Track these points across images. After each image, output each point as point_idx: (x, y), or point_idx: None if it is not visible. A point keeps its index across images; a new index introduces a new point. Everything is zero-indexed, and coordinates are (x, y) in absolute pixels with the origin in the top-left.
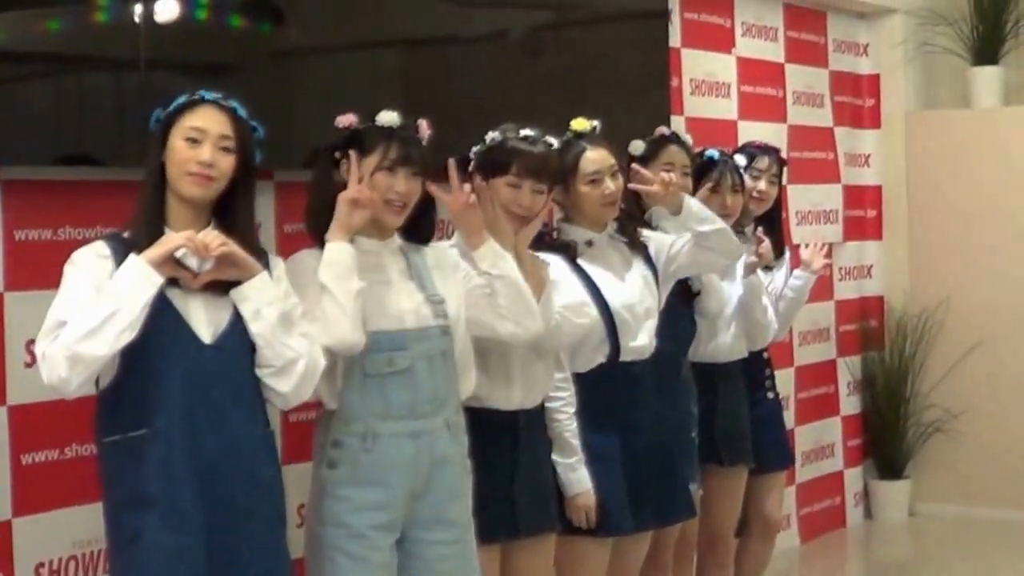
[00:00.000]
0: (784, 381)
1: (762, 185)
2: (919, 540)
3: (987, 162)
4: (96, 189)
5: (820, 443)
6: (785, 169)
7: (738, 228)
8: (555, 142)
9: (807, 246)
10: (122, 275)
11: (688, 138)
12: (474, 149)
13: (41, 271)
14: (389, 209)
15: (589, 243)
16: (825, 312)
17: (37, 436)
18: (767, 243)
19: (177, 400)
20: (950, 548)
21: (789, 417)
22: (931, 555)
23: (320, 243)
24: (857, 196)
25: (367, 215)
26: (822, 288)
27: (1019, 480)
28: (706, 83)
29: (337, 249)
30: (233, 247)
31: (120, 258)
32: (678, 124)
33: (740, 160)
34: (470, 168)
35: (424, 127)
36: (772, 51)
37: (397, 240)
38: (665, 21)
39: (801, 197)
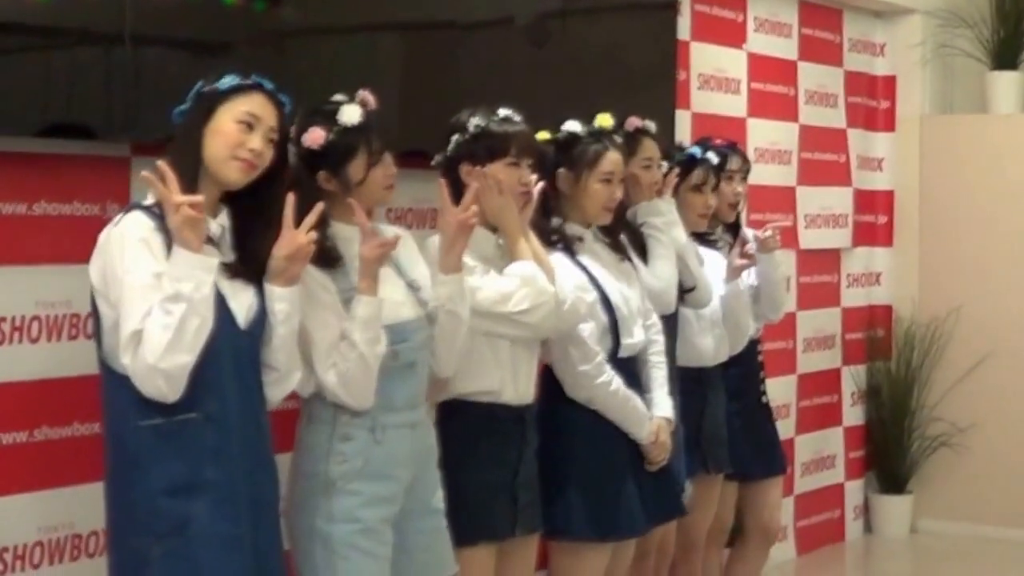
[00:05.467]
0: (786, 389)
1: (738, 187)
2: (920, 557)
3: (1003, 170)
4: (74, 163)
5: (821, 454)
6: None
7: (708, 232)
8: (579, 127)
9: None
10: (181, 270)
11: (651, 125)
12: (455, 139)
13: (16, 246)
14: (388, 193)
15: (580, 239)
16: (831, 319)
17: (4, 417)
18: (751, 244)
19: (228, 384)
20: (952, 567)
21: (790, 425)
22: (932, 573)
23: None
24: (868, 201)
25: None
26: (828, 294)
27: (1023, 498)
28: (715, 78)
29: (371, 304)
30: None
31: (163, 229)
32: (684, 119)
33: (713, 159)
34: (448, 158)
35: (371, 101)
36: (785, 48)
37: (384, 226)
38: (673, 13)
39: (810, 200)
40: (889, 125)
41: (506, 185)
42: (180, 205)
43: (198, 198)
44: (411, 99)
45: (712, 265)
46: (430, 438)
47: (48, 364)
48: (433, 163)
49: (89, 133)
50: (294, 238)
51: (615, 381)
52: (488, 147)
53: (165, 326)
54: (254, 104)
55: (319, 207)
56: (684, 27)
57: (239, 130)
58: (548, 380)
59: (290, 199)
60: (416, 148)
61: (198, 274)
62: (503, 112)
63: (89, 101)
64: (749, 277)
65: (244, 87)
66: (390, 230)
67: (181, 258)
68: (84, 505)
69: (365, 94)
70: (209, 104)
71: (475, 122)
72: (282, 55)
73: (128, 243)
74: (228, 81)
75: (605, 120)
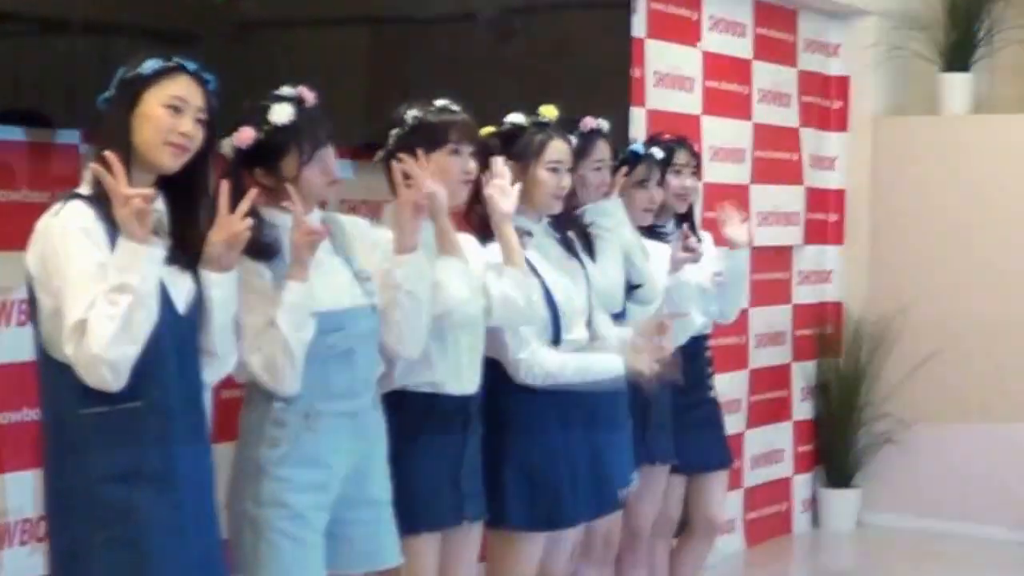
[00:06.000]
0: (737, 384)
1: (687, 182)
2: (865, 550)
3: (954, 170)
4: (24, 151)
5: (770, 448)
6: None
7: (659, 225)
8: (522, 118)
9: (724, 223)
10: (127, 261)
11: (604, 125)
12: (394, 132)
13: None
14: (330, 188)
15: (529, 234)
16: (782, 316)
17: None
18: (693, 239)
19: (170, 371)
20: (897, 560)
21: (741, 420)
22: (877, 566)
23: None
24: (820, 199)
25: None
26: (780, 291)
27: (969, 493)
28: (670, 76)
29: (299, 291)
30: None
31: (103, 219)
32: (639, 116)
33: (657, 154)
34: (389, 152)
35: (309, 98)
36: (740, 47)
37: (319, 214)
38: (628, 11)
39: (763, 198)
40: (842, 125)
41: (450, 175)
42: (129, 198)
43: (149, 191)
44: (372, 92)
45: (662, 259)
46: (375, 428)
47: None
48: (375, 159)
49: (40, 120)
50: (229, 224)
51: (556, 358)
52: (427, 137)
53: (111, 317)
54: (180, 87)
55: (252, 193)
56: (639, 25)
57: (168, 114)
58: (490, 370)
59: (224, 186)
60: (377, 141)
61: (144, 266)
62: (440, 103)
63: (40, 89)
64: (703, 273)
65: (168, 70)
66: (345, 220)
67: (128, 249)
68: (36, 491)
69: (303, 90)
70: (134, 90)
71: (413, 114)
72: (242, 47)
73: (69, 233)
74: (151, 65)
75: (549, 111)
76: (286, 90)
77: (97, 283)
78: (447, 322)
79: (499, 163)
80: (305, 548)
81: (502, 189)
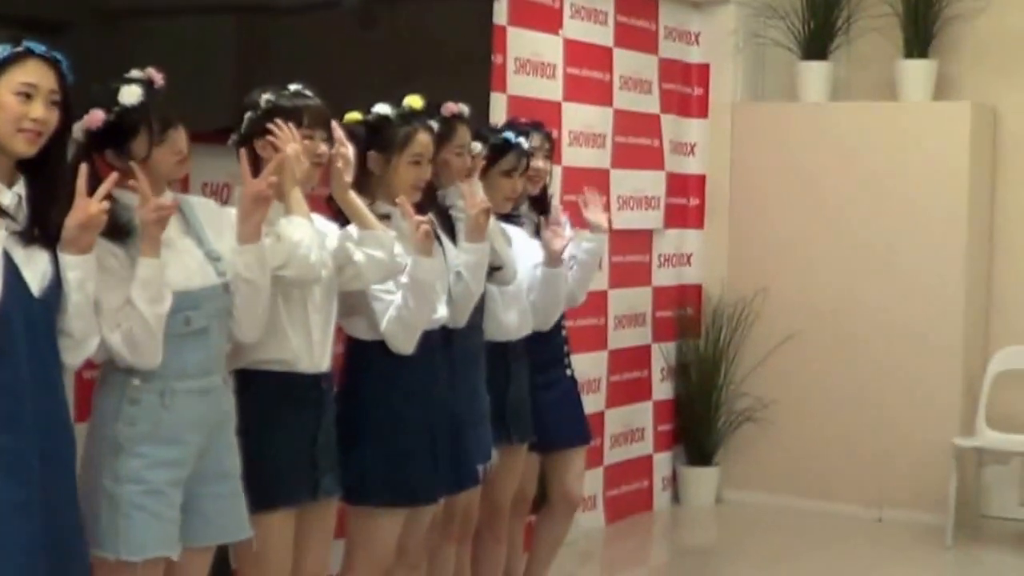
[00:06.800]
0: (596, 364)
1: (539, 163)
2: (724, 526)
3: (811, 156)
4: None
5: (630, 426)
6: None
7: (513, 210)
8: (389, 110)
9: (586, 206)
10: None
11: (465, 110)
12: (248, 116)
13: None
14: (180, 168)
15: (388, 217)
16: (642, 297)
17: None
18: (559, 225)
19: (20, 351)
20: (754, 535)
21: (600, 399)
22: (735, 541)
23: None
24: (680, 184)
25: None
26: (640, 273)
27: (823, 471)
28: (531, 63)
29: (152, 266)
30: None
31: None
32: (499, 102)
33: (525, 144)
34: (243, 136)
35: (157, 79)
36: (601, 35)
37: (169, 194)
38: None
39: (623, 182)
40: (702, 111)
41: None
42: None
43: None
44: (237, 79)
45: (515, 240)
46: (226, 404)
47: None
48: (229, 142)
49: None
50: (87, 207)
51: (397, 297)
52: (282, 120)
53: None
54: (29, 72)
55: (113, 176)
56: (501, 12)
57: (18, 102)
58: (348, 347)
59: (83, 169)
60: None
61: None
62: (294, 87)
63: None
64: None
65: (16, 56)
66: (197, 199)
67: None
68: None
69: (151, 72)
70: None
71: (266, 98)
72: (107, 36)
73: None
74: None
75: (415, 101)
76: (135, 73)
77: None
78: (287, 273)
79: (340, 132)
80: (163, 523)
81: (347, 160)
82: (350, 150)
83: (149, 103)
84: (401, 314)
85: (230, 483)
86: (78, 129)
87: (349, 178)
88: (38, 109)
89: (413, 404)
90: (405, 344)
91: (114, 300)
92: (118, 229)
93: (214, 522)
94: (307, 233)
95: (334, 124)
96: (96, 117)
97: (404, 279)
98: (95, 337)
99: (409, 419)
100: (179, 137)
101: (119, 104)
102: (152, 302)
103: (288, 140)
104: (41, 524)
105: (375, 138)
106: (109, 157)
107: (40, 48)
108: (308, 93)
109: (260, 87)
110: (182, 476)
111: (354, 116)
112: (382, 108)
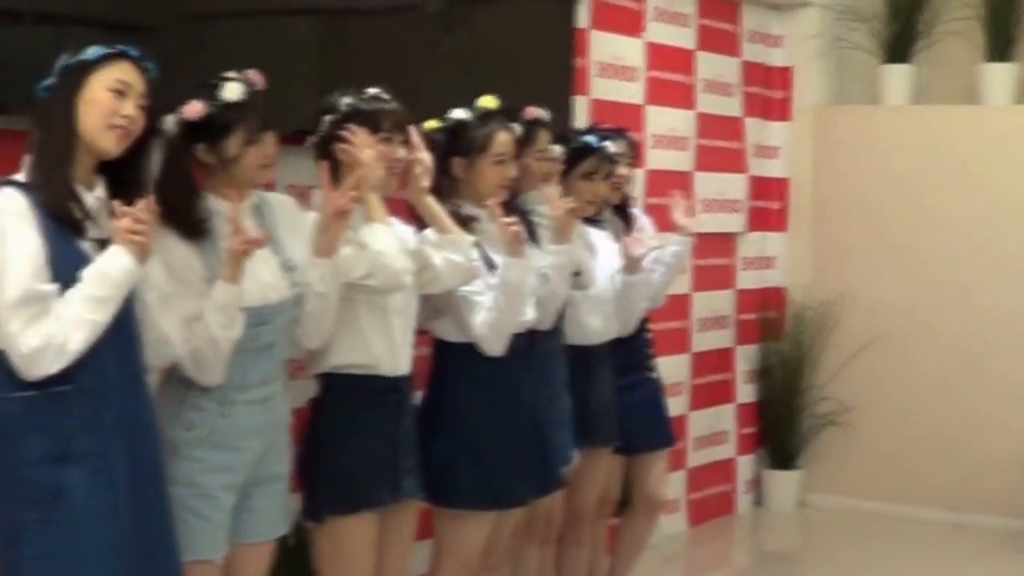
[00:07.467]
0: (679, 366)
1: (622, 170)
2: (807, 530)
3: (893, 160)
4: None
5: (713, 429)
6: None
7: (596, 215)
8: (465, 114)
9: (674, 209)
10: (116, 268)
11: (546, 115)
12: (326, 119)
13: None
14: (264, 173)
15: (476, 219)
16: (725, 300)
17: None
18: (649, 236)
19: (106, 355)
20: (837, 539)
21: (683, 402)
22: (818, 545)
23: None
24: (763, 187)
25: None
26: (723, 276)
27: (907, 475)
28: (613, 66)
29: (231, 293)
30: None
31: (40, 211)
32: (582, 105)
33: (609, 148)
34: (322, 139)
35: (258, 81)
36: (683, 37)
37: (252, 198)
38: (571, 1)
39: (706, 186)
40: (784, 114)
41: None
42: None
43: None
44: (317, 82)
45: (599, 245)
46: (282, 410)
47: None
48: (306, 144)
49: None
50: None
51: (488, 299)
52: (359, 124)
53: (92, 324)
54: (123, 72)
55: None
56: (582, 15)
57: (112, 98)
58: (435, 349)
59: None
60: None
61: (135, 277)
62: (372, 90)
63: None
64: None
65: (111, 55)
66: (278, 198)
67: (125, 261)
68: None
69: (252, 73)
70: (78, 76)
71: (346, 101)
72: (190, 38)
73: (5, 216)
74: (95, 51)
75: (490, 102)
76: (234, 74)
77: (39, 269)
78: (372, 283)
79: (416, 135)
80: (211, 526)
81: (425, 166)
82: (427, 155)
83: (250, 102)
84: (493, 316)
85: (280, 483)
86: (171, 121)
87: (427, 182)
88: (130, 107)
89: (501, 406)
90: (497, 345)
91: (187, 312)
92: (195, 229)
93: (260, 518)
94: (390, 242)
95: (411, 128)
96: (195, 108)
97: (494, 281)
98: (178, 338)
99: (497, 421)
100: (271, 141)
101: (219, 99)
102: (226, 327)
103: (364, 146)
104: (129, 527)
105: (456, 143)
106: (200, 152)
107: (134, 52)
108: (386, 96)
109: (338, 90)
110: (237, 481)
111: (432, 124)
112: (458, 113)
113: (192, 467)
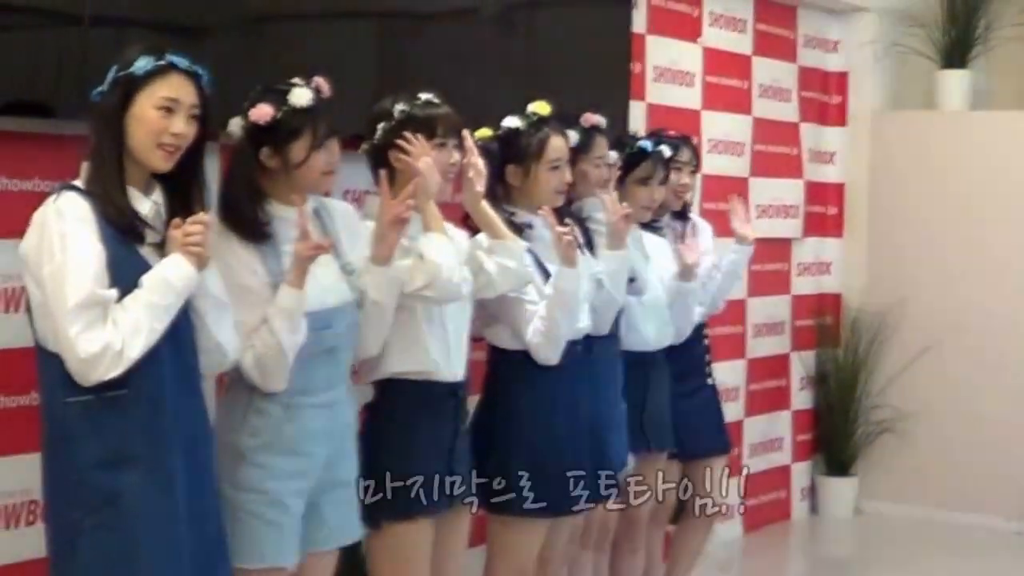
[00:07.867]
0: (735, 372)
1: (685, 179)
2: (863, 538)
3: (951, 165)
4: (35, 141)
5: (769, 436)
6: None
7: (655, 221)
8: (518, 121)
9: (733, 215)
10: (177, 276)
11: (603, 121)
12: (381, 126)
13: None
14: (326, 181)
15: (530, 227)
16: (781, 306)
17: None
18: (707, 242)
19: (164, 360)
20: (892, 547)
21: (739, 408)
22: (874, 553)
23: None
24: (819, 192)
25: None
26: (779, 282)
27: (962, 483)
28: (670, 71)
29: (296, 298)
30: None
31: (100, 216)
32: (639, 110)
33: (665, 152)
34: (375, 146)
35: (325, 88)
36: (740, 43)
37: (311, 203)
38: (629, 7)
39: (762, 191)
40: (841, 120)
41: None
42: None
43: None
44: (374, 86)
45: (656, 251)
46: (348, 415)
47: (9, 335)
48: (360, 150)
49: (48, 111)
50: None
51: (541, 308)
52: (414, 131)
53: (151, 331)
54: (171, 87)
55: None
56: (640, 20)
57: (160, 116)
58: (491, 356)
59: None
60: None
61: (193, 284)
62: (425, 96)
63: (49, 80)
64: (703, 265)
65: (159, 70)
66: (335, 203)
67: (183, 267)
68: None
69: (320, 80)
70: (126, 90)
71: (400, 108)
72: (247, 40)
73: (67, 221)
74: (142, 65)
75: (542, 108)
76: (301, 80)
77: (100, 272)
78: (430, 294)
79: (470, 140)
80: (281, 532)
81: (478, 170)
82: (480, 160)
83: (318, 107)
84: (546, 325)
85: (348, 490)
86: (235, 124)
87: (481, 188)
88: (179, 124)
89: (558, 413)
90: (551, 354)
91: (250, 319)
92: (258, 233)
93: (331, 524)
94: (449, 253)
95: (465, 133)
96: (264, 112)
97: (548, 290)
98: (235, 346)
99: (554, 428)
100: (335, 149)
101: (288, 104)
102: (291, 332)
103: (421, 154)
104: (185, 533)
105: (510, 151)
106: (264, 156)
107: (183, 62)
108: (439, 102)
109: (391, 96)
110: (305, 487)
111: (485, 132)
112: (511, 121)
113: (259, 473)
